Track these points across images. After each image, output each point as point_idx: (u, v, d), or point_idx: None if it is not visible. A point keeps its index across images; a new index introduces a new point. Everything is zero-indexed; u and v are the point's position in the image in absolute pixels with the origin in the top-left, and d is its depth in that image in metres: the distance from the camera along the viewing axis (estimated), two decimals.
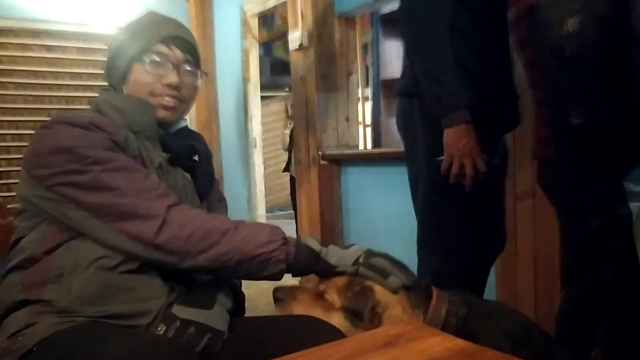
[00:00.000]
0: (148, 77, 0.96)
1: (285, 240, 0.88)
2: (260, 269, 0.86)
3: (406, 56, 1.36)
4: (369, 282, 0.90)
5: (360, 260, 0.90)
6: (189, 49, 1.00)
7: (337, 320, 0.91)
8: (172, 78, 0.97)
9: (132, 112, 0.94)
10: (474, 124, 1.21)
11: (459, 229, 1.35)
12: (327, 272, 0.91)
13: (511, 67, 1.40)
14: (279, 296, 0.97)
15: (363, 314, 0.88)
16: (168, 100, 0.98)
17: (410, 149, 1.41)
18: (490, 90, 1.28)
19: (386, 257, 0.92)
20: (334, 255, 0.91)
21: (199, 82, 1.03)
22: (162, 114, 0.98)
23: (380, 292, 0.89)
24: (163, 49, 0.96)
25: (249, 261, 0.85)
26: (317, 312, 0.92)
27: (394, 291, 0.89)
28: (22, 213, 0.90)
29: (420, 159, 1.35)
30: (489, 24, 1.30)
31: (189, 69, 1.00)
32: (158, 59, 0.96)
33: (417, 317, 0.90)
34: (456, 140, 1.20)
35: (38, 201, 0.85)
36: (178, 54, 0.98)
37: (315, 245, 0.90)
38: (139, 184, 0.85)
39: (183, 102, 1.00)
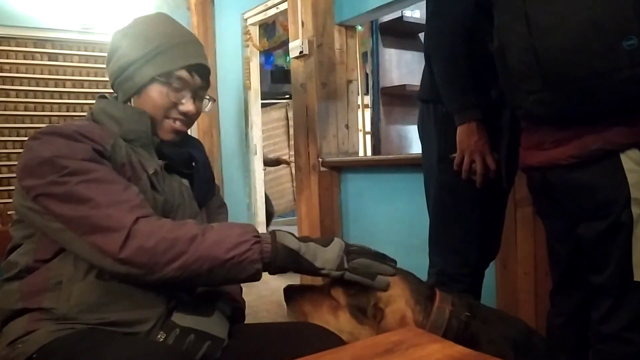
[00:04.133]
0: (166, 100, 0.95)
1: (258, 238, 0.83)
2: (235, 272, 0.82)
3: (426, 63, 1.42)
4: None
5: (345, 265, 0.86)
6: (206, 74, 1.01)
7: (343, 317, 0.90)
8: (189, 107, 0.97)
9: (128, 120, 0.93)
10: (486, 122, 1.26)
11: (465, 230, 1.37)
12: (310, 272, 0.87)
13: None
14: (290, 295, 0.96)
15: (367, 311, 0.88)
16: (180, 126, 0.98)
17: (426, 152, 1.46)
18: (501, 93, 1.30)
19: (363, 251, 0.89)
20: (315, 255, 0.85)
21: (208, 108, 1.05)
22: (170, 136, 0.98)
23: None
24: (185, 74, 0.96)
25: (221, 266, 0.80)
26: (324, 311, 0.92)
27: (384, 290, 0.89)
28: (17, 223, 0.90)
29: (433, 160, 1.40)
30: None
31: (202, 95, 1.01)
32: (180, 86, 0.96)
33: (420, 311, 0.89)
34: (468, 137, 1.26)
35: (26, 212, 0.85)
36: (197, 80, 0.98)
37: (292, 243, 0.85)
38: (114, 196, 0.82)
39: (190, 124, 1.01)
